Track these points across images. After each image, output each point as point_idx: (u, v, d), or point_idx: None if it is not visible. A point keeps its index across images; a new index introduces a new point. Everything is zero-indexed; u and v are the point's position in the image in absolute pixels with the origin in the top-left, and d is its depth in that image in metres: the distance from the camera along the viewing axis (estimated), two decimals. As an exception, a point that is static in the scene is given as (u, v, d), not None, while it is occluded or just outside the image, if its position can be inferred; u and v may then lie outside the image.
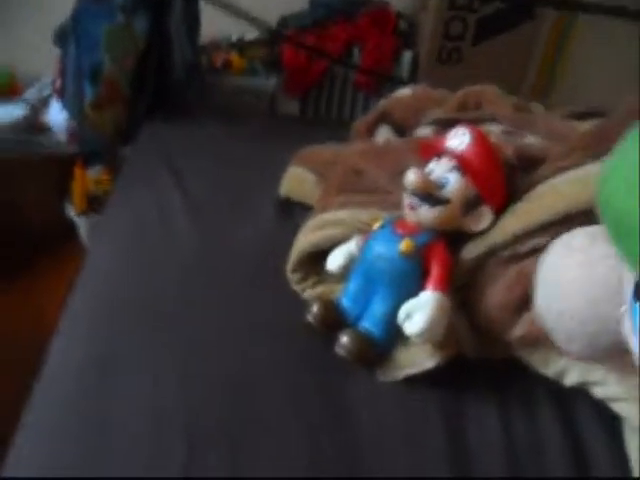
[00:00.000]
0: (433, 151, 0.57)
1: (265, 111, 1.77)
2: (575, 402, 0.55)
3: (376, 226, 0.60)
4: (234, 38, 1.83)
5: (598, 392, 0.52)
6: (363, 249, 0.60)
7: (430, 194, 0.55)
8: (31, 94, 1.73)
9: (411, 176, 0.54)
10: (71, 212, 1.69)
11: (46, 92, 1.63)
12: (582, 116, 0.93)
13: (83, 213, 1.67)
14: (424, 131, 0.76)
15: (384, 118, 0.93)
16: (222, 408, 0.53)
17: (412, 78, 1.93)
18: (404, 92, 0.95)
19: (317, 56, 1.61)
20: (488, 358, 0.58)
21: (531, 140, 0.65)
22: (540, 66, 1.96)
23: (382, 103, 0.95)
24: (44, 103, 1.68)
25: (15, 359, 0.99)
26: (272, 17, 1.94)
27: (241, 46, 1.82)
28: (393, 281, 0.57)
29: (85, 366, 0.56)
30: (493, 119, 0.72)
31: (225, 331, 0.61)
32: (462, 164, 0.54)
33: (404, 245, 0.56)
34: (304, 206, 0.80)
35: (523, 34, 1.90)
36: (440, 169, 0.56)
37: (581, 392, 0.54)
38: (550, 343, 0.53)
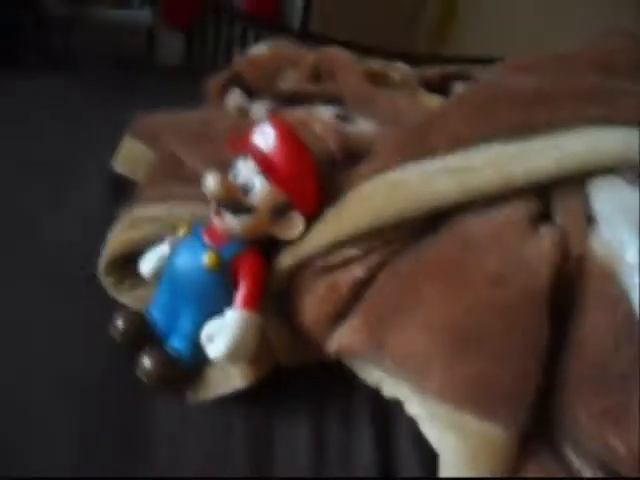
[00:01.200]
0: (239, 148, 0.50)
1: (142, 52, 1.59)
2: (394, 416, 0.54)
3: (181, 232, 0.53)
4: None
5: (408, 408, 0.50)
6: (169, 257, 0.53)
7: (233, 201, 0.49)
8: None
9: (210, 182, 0.47)
10: None
11: None
12: (452, 78, 0.88)
13: None
14: (259, 107, 0.69)
15: (236, 79, 0.84)
16: None
17: (306, 12, 1.80)
18: (260, 49, 0.85)
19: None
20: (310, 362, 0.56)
21: (365, 126, 0.59)
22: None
23: (236, 61, 0.85)
24: None
25: None
26: None
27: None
28: (199, 296, 0.52)
29: None
30: (335, 94, 0.65)
31: (10, 345, 0.54)
32: (265, 169, 0.48)
33: (208, 259, 0.50)
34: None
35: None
36: (246, 170, 0.50)
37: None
38: (364, 356, 0.50)
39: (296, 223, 0.50)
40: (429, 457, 0.50)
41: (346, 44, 1.31)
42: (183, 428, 0.51)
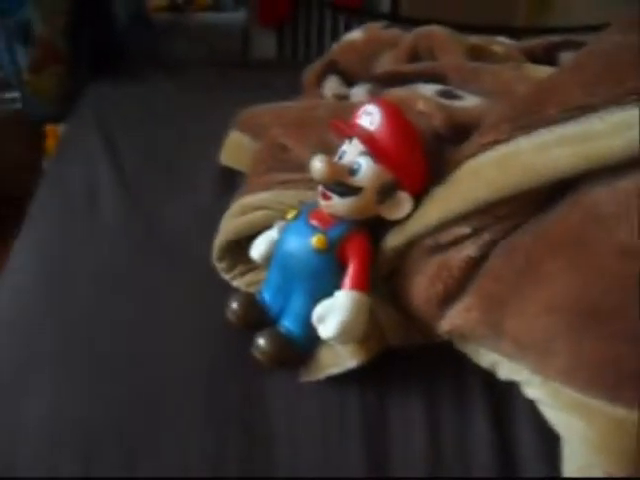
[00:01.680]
0: (344, 130, 0.51)
1: (238, 51, 1.65)
2: (510, 399, 0.52)
3: (290, 216, 0.54)
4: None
5: (527, 392, 0.48)
6: (277, 241, 0.55)
7: (340, 183, 0.49)
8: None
9: (317, 164, 0.48)
10: (49, 168, 1.67)
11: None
12: (558, 47, 0.83)
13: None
14: (359, 91, 0.68)
15: (333, 67, 0.84)
16: (125, 408, 0.51)
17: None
18: (354, 36, 0.85)
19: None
20: (419, 345, 0.55)
21: (470, 102, 0.57)
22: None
23: (331, 49, 0.86)
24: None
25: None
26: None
27: (204, -23, 1.67)
28: (309, 277, 0.53)
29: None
30: (434, 72, 0.63)
31: (142, 332, 0.58)
32: (372, 149, 0.48)
33: (316, 241, 0.51)
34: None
35: None
36: (352, 152, 0.50)
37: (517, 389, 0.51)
38: (479, 337, 0.49)
39: (404, 203, 0.50)
40: (549, 440, 0.48)
41: (442, 22, 1.27)
42: (299, 407, 0.52)
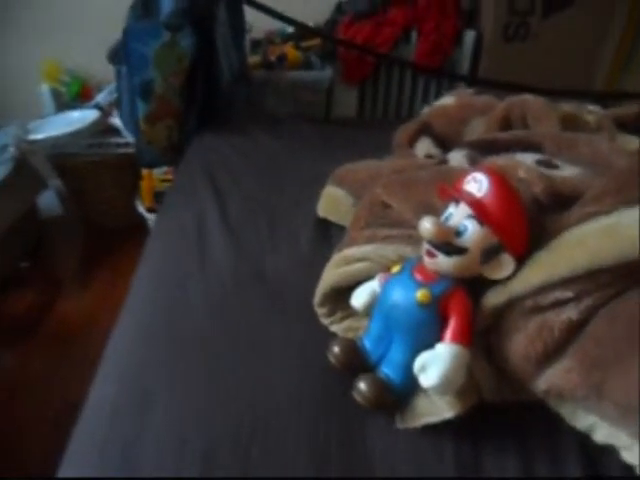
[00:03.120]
0: (451, 195, 0.55)
1: (322, 106, 1.75)
2: (605, 461, 0.53)
3: (395, 270, 0.59)
4: (289, 30, 1.82)
5: (625, 456, 0.49)
6: (381, 293, 0.59)
7: (447, 243, 0.53)
8: (102, 98, 1.84)
9: (426, 225, 0.53)
10: (141, 208, 1.82)
11: (114, 95, 1.72)
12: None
13: (151, 209, 1.78)
14: (457, 156, 0.73)
15: (425, 129, 0.90)
16: (239, 440, 0.56)
17: (475, 59, 1.84)
18: (447, 101, 0.91)
19: (367, 52, 1.56)
20: (513, 403, 0.57)
21: (568, 171, 0.60)
22: (619, 40, 1.77)
23: (424, 112, 0.92)
24: (112, 106, 1.77)
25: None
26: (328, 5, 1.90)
27: (296, 38, 1.80)
28: (411, 329, 0.56)
29: (117, 401, 0.61)
30: (529, 141, 0.67)
31: (253, 367, 0.63)
32: (480, 214, 0.52)
33: (420, 295, 0.55)
34: (342, 227, 0.80)
35: (599, 3, 1.73)
36: (458, 215, 0.54)
37: (613, 452, 0.51)
38: (579, 399, 0.50)
39: (506, 264, 0.53)
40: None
41: (520, 86, 1.31)
42: (397, 449, 0.55)
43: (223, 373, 0.62)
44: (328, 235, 0.82)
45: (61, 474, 0.55)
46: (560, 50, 1.71)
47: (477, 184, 0.53)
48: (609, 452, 0.51)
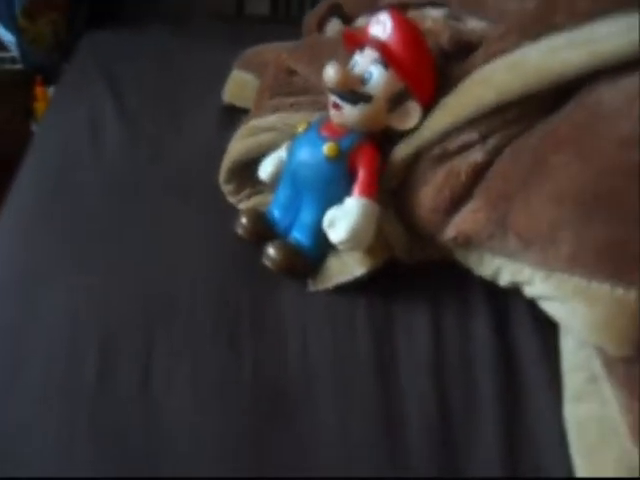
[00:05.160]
0: (356, 41, 0.52)
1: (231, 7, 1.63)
2: (510, 304, 0.54)
3: (301, 129, 0.56)
4: None
5: (527, 291, 0.50)
6: (288, 154, 0.56)
7: (352, 91, 0.50)
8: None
9: (329, 72, 0.49)
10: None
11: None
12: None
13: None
14: (362, 22, 0.70)
15: (335, 10, 0.85)
16: (141, 319, 0.52)
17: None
18: (355, -23, 0.86)
19: None
20: (423, 261, 0.57)
21: (474, 25, 0.59)
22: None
23: (331, -7, 0.87)
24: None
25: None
26: None
27: None
28: (319, 187, 0.54)
29: (7, 279, 0.55)
30: (436, 3, 0.65)
31: (153, 246, 0.59)
32: (383, 54, 0.49)
33: (328, 149, 0.52)
34: (248, 112, 0.75)
35: None
36: (364, 61, 0.51)
37: (517, 293, 0.53)
38: (484, 238, 0.50)
39: (413, 112, 0.51)
40: (548, 340, 0.51)
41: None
42: (310, 311, 0.54)
43: (118, 252, 0.57)
44: (233, 121, 0.77)
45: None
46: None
47: (381, 26, 0.50)
48: (514, 295, 0.53)
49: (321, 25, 0.86)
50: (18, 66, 1.50)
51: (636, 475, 0.40)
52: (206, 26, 1.14)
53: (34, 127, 1.63)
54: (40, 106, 1.59)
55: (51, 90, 1.54)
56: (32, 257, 0.57)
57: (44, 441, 0.44)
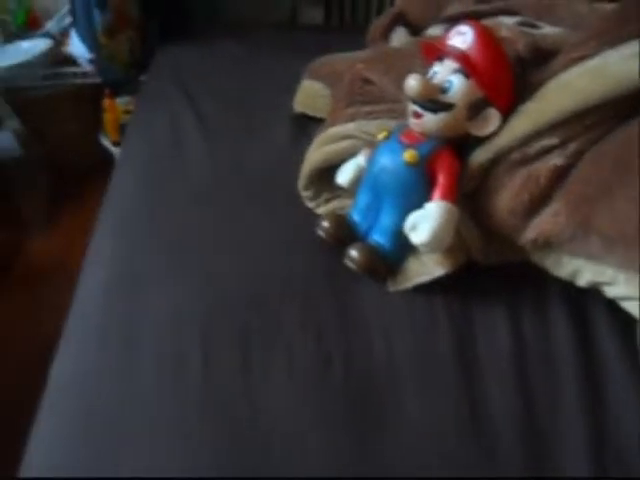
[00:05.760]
0: (435, 52, 0.54)
1: (286, 21, 1.68)
2: (588, 303, 0.55)
3: (381, 137, 0.58)
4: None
5: (609, 292, 0.51)
6: (370, 161, 0.59)
7: (433, 100, 0.53)
8: (52, 26, 1.72)
9: (411, 82, 0.52)
10: (106, 142, 1.74)
11: (66, 22, 1.61)
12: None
13: (117, 143, 1.71)
14: (435, 30, 0.72)
15: (400, 19, 0.87)
16: (236, 317, 0.56)
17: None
18: (420, -13, 0.88)
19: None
20: (500, 263, 0.59)
21: (548, 31, 0.60)
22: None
23: (397, 3, 0.89)
24: (65, 34, 1.66)
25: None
26: None
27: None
28: (399, 192, 0.57)
29: (110, 285, 0.60)
30: (508, 10, 0.67)
31: (242, 251, 0.63)
32: (465, 65, 0.51)
33: (408, 155, 0.54)
34: (319, 121, 0.79)
35: None
36: (443, 71, 0.53)
37: (595, 293, 0.54)
38: (565, 241, 0.52)
39: (492, 118, 0.53)
40: (627, 337, 0.52)
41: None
42: (391, 308, 0.56)
43: (213, 254, 0.62)
44: (306, 129, 0.81)
45: (60, 356, 0.55)
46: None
47: (462, 37, 0.53)
48: (592, 294, 0.54)
49: (386, 34, 0.89)
50: (89, 80, 1.59)
51: None
52: (268, 35, 1.19)
53: (104, 140, 1.73)
54: (109, 117, 1.68)
55: (119, 101, 1.63)
56: (133, 262, 0.62)
57: (158, 416, 0.49)
